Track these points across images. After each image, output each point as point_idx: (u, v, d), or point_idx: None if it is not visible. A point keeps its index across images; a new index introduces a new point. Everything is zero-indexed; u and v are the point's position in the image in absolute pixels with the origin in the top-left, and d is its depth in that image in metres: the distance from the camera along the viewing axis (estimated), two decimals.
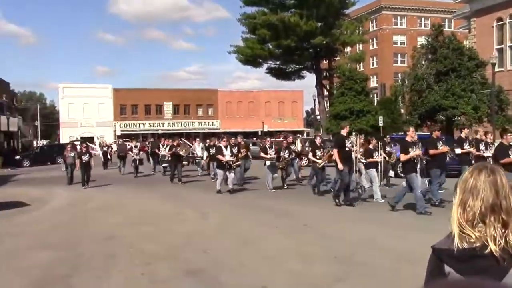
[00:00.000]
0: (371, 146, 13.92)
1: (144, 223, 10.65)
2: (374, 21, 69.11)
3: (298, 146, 20.16)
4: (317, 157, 14.68)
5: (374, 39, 69.06)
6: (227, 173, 15.48)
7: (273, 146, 16.62)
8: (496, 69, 29.15)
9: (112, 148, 34.80)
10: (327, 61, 48.84)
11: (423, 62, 33.03)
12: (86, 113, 65.96)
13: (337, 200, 12.35)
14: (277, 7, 42.77)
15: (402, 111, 40.15)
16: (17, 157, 37.17)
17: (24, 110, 72.78)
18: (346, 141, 12.56)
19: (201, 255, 7.50)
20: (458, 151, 12.71)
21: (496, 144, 12.58)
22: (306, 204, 12.88)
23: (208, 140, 22.67)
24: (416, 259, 6.72)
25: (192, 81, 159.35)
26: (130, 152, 23.82)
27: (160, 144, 24.51)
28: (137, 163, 22.64)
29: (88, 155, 18.76)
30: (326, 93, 49.57)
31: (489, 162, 11.45)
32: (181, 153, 19.43)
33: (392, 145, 16.70)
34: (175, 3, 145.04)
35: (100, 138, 58.01)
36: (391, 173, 17.37)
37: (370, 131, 36.44)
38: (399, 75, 45.84)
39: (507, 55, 35.82)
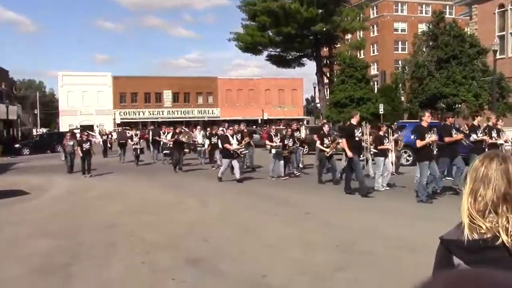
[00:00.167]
0: (381, 133, 13.60)
1: (144, 211, 10.62)
2: (374, 8, 68.67)
3: (302, 133, 20.04)
4: (325, 145, 14.50)
5: (375, 26, 68.63)
6: (233, 162, 15.28)
7: (279, 134, 16.36)
8: (498, 56, 28.99)
9: (112, 136, 34.72)
10: (327, 48, 48.56)
11: (424, 49, 32.84)
12: (85, 101, 65.77)
13: (349, 189, 12.20)
14: None
15: (403, 98, 40.05)
16: (17, 145, 37.08)
17: (24, 98, 72.50)
18: (355, 130, 12.30)
19: (202, 243, 7.47)
20: (473, 138, 12.39)
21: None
22: (308, 193, 12.85)
23: (209, 129, 22.54)
24: (418, 248, 6.71)
25: (191, 68, 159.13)
26: (130, 141, 23.63)
27: (161, 132, 24.42)
28: (138, 152, 22.55)
29: (88, 143, 18.59)
30: (326, 80, 49.36)
31: (501, 149, 11.38)
32: (184, 139, 19.31)
33: (399, 131, 16.57)
34: None
35: (99, 126, 57.86)
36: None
37: (371, 118, 36.35)
38: (400, 62, 45.64)
39: (508, 42, 35.60)
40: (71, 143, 19.84)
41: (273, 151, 15.94)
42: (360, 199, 11.58)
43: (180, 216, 10.01)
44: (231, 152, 15.28)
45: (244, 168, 17.81)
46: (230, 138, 15.52)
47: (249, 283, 5.55)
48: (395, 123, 19.18)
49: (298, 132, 17.48)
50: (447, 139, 11.63)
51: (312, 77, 60.29)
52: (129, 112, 68.12)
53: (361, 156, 13.37)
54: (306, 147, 20.27)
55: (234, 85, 73.26)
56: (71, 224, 9.41)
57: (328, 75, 48.58)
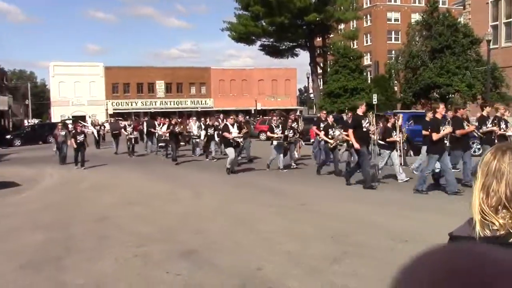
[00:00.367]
0: (389, 125, 13.13)
1: (138, 203, 10.51)
2: None
3: (301, 124, 19.82)
4: (330, 136, 14.26)
5: (368, 16, 68.47)
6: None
7: (280, 125, 15.99)
8: (491, 46, 28.97)
9: (104, 127, 34.48)
10: (321, 38, 48.45)
11: (417, 39, 32.81)
12: (77, 91, 65.25)
13: (349, 181, 12.04)
14: None
15: (396, 88, 40.05)
16: (8, 136, 36.82)
17: (15, 88, 71.90)
18: (362, 120, 11.96)
19: (196, 236, 7.38)
20: (484, 130, 11.93)
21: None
22: (306, 184, 12.79)
23: (203, 119, 22.33)
24: (414, 239, 6.68)
25: (184, 59, 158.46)
26: (124, 131, 23.34)
27: (156, 123, 24.14)
28: (133, 142, 22.34)
29: (83, 135, 18.27)
30: (319, 71, 49.29)
31: (510, 141, 11.20)
32: (179, 129, 19.09)
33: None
34: None
35: (92, 117, 57.48)
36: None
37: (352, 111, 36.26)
38: (393, 52, 45.64)
39: (501, 32, 35.59)
40: (63, 133, 19.63)
41: (275, 142, 15.61)
42: (358, 190, 11.51)
43: (173, 208, 9.92)
44: (230, 141, 15.02)
45: (239, 159, 17.65)
46: (230, 127, 15.26)
47: (244, 276, 5.48)
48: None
49: (296, 123, 17.21)
50: (458, 132, 11.26)
51: (305, 67, 60.10)
52: (121, 102, 67.68)
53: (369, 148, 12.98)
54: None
55: (227, 75, 72.95)
56: (63, 216, 9.30)
57: (321, 65, 48.52)
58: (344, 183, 12.29)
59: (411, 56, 31.91)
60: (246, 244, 6.81)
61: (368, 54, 66.55)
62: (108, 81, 66.96)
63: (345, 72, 40.23)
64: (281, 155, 15.61)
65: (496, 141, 11.20)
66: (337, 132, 14.23)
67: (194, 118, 23.82)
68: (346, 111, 27.52)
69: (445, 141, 10.64)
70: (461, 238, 1.70)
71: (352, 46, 50.08)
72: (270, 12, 42.05)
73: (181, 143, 20.40)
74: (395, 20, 68.81)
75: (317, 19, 43.07)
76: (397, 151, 13.04)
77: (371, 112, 15.21)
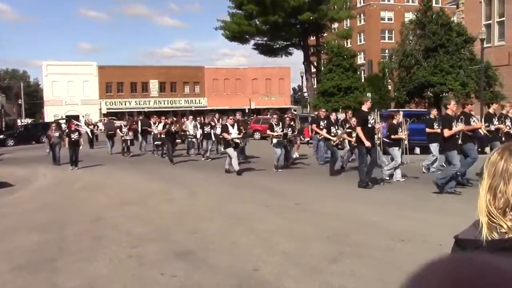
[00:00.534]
0: (395, 122, 12.88)
1: (133, 203, 10.42)
2: None
3: (297, 124, 19.72)
4: (332, 134, 14.09)
5: (361, 15, 68.54)
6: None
7: (280, 123, 15.74)
8: (484, 45, 29.03)
9: (98, 127, 34.27)
10: (314, 37, 48.43)
11: (411, 38, 32.83)
12: (70, 91, 64.93)
13: (367, 182, 11.58)
14: None
15: (390, 87, 40.10)
16: (1, 136, 36.53)
17: (8, 88, 71.50)
18: (368, 117, 11.75)
19: (192, 236, 7.32)
20: (492, 127, 11.72)
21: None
22: (304, 183, 12.73)
23: (199, 118, 22.14)
24: (413, 238, 6.65)
25: (177, 58, 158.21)
26: (119, 131, 23.06)
27: (151, 122, 23.93)
28: (128, 143, 22.11)
29: (77, 133, 18.04)
30: (313, 70, 49.28)
31: None
32: (175, 128, 18.83)
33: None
34: None
35: (85, 116, 57.20)
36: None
37: (358, 107, 36.30)
38: (387, 51, 45.65)
39: (495, 31, 35.67)
40: (57, 134, 19.37)
41: (275, 140, 15.41)
42: (357, 189, 11.42)
43: (169, 207, 9.84)
44: (230, 141, 14.81)
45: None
46: (230, 128, 15.06)
47: (240, 276, 5.42)
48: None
49: (293, 122, 17.06)
50: (466, 128, 10.95)
51: (299, 66, 60.09)
52: (115, 102, 67.41)
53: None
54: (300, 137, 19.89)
55: (221, 74, 72.83)
56: (56, 217, 9.20)
57: (315, 64, 48.50)
58: (344, 183, 12.27)
59: (404, 55, 31.93)
60: (243, 244, 6.75)
61: (362, 53, 66.61)
62: (101, 80, 66.69)
63: (339, 71, 40.20)
64: (282, 155, 15.36)
65: (503, 138, 11.06)
66: (337, 131, 14.18)
67: (191, 117, 23.33)
68: (340, 110, 27.56)
69: (458, 137, 10.43)
70: (467, 241, 1.66)
71: (345, 45, 50.09)
72: (264, 11, 41.99)
73: (177, 141, 20.11)
74: (388, 19, 68.91)
75: (311, 18, 43.04)
76: (402, 148, 12.85)
77: (375, 110, 14.99)
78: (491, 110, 12.26)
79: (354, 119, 15.12)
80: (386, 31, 68.03)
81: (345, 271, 5.46)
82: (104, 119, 42.46)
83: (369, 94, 35.92)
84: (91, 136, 28.43)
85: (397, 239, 6.67)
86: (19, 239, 7.52)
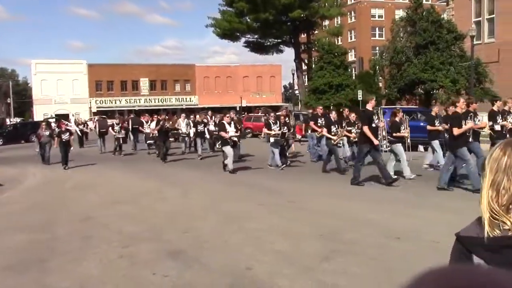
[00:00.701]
0: (397, 119, 12.76)
1: (125, 202, 10.30)
2: None
3: (291, 121, 19.59)
4: (332, 133, 13.91)
5: (352, 12, 68.67)
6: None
7: (277, 122, 15.46)
8: (474, 42, 29.17)
9: (87, 125, 34.01)
10: (305, 35, 48.44)
11: (402, 35, 32.92)
12: (60, 89, 64.45)
13: (357, 181, 11.48)
14: None
15: (381, 84, 40.21)
16: None
17: None
18: (374, 116, 11.49)
19: (184, 235, 7.24)
20: (497, 127, 11.41)
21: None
22: (298, 181, 12.64)
23: (192, 116, 21.97)
24: (407, 236, 6.62)
25: (168, 56, 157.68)
26: (111, 130, 22.80)
27: (144, 121, 23.72)
28: (121, 142, 21.89)
29: (68, 133, 17.79)
30: (304, 67, 49.29)
31: None
32: (168, 125, 18.56)
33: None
34: None
35: (75, 115, 56.84)
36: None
37: (349, 105, 36.39)
38: (377, 49, 45.76)
39: (484, 28, 35.86)
40: (47, 133, 19.11)
41: (272, 139, 15.19)
42: (352, 187, 11.35)
43: (162, 206, 9.74)
44: (227, 140, 14.54)
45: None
46: (227, 126, 14.77)
47: (233, 275, 5.36)
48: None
49: (288, 119, 16.88)
50: (474, 126, 10.72)
51: (290, 64, 60.05)
52: (105, 100, 67.05)
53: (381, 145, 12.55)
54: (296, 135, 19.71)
55: (212, 72, 72.67)
56: (46, 217, 9.08)
57: (306, 62, 48.53)
58: (339, 180, 12.18)
59: (395, 52, 32.01)
60: (236, 243, 6.68)
61: (353, 50, 66.73)
62: (91, 78, 66.28)
63: (330, 68, 40.26)
64: (278, 152, 15.13)
65: (508, 135, 10.83)
66: (337, 130, 14.04)
67: (183, 115, 22.99)
68: (331, 107, 27.58)
69: (468, 135, 10.24)
70: (468, 239, 1.61)
71: (336, 43, 50.16)
72: (254, 8, 41.90)
73: (170, 139, 19.78)
74: (379, 16, 69.11)
75: (302, 15, 43.02)
76: (404, 146, 12.64)
77: (379, 107, 14.80)
78: (495, 108, 11.93)
79: (353, 115, 15.06)
80: (377, 29, 68.24)
81: (338, 269, 5.42)
82: (95, 118, 42.14)
83: (360, 92, 36.06)
84: (80, 135, 28.17)
85: (391, 237, 6.64)
86: (8, 239, 7.42)
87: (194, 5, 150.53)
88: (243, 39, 48.28)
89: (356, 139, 14.01)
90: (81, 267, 5.92)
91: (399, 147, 12.24)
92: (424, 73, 29.96)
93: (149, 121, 22.21)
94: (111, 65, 68.18)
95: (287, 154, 16.68)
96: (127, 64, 70.13)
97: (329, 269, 5.43)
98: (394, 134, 12.42)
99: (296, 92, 55.59)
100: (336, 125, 14.19)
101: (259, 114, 37.46)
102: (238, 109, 58.81)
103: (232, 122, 15.16)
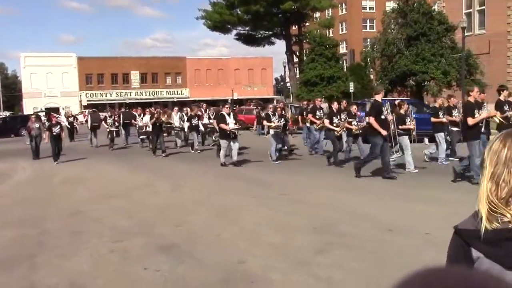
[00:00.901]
0: (402, 111, 12.51)
1: (116, 196, 10.17)
2: None
3: (288, 113, 19.44)
4: (334, 124, 13.58)
5: (343, 4, 68.56)
6: (231, 143, 14.15)
7: (276, 113, 15.11)
8: (465, 33, 29.22)
9: (77, 119, 33.73)
10: (296, 27, 48.30)
11: (393, 27, 32.88)
12: (49, 83, 63.90)
13: (359, 173, 11.21)
14: None
15: (372, 77, 40.22)
16: None
17: None
18: (382, 108, 11.12)
19: (176, 229, 7.16)
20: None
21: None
22: (293, 174, 12.52)
23: (185, 109, 21.74)
24: (400, 229, 6.58)
25: (158, 48, 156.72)
26: (104, 123, 22.42)
27: (136, 114, 23.46)
28: (114, 135, 21.58)
29: (58, 126, 17.41)
30: (296, 59, 49.19)
31: None
32: (163, 119, 18.18)
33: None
34: None
35: (65, 108, 56.42)
36: None
37: (341, 97, 36.39)
38: (368, 41, 45.78)
39: (475, 19, 35.95)
40: (37, 125, 18.87)
41: (271, 131, 14.82)
42: (347, 180, 11.20)
43: (153, 200, 9.63)
44: (228, 132, 14.08)
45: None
46: (227, 117, 14.21)
47: (226, 269, 5.30)
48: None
49: (284, 111, 16.66)
50: (486, 116, 10.53)
51: (281, 56, 59.96)
52: (95, 93, 66.60)
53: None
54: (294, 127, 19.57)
55: (203, 65, 72.38)
56: (36, 211, 8.96)
57: (297, 54, 48.43)
58: (338, 173, 12.05)
59: (386, 43, 31.97)
60: (228, 237, 6.61)
61: (344, 42, 66.68)
62: (81, 71, 65.78)
63: (321, 60, 40.21)
64: (279, 146, 14.84)
65: None
66: (340, 121, 13.82)
67: (176, 108, 22.32)
68: (323, 99, 27.54)
69: (481, 126, 10.06)
70: (467, 231, 1.57)
71: (327, 35, 50.07)
72: (245, 0, 41.69)
73: (164, 134, 19.40)
74: (370, 8, 69.07)
75: (293, 7, 42.87)
76: (410, 139, 12.40)
77: (387, 100, 14.44)
78: (501, 97, 11.52)
79: (354, 107, 14.89)
80: (368, 20, 68.22)
81: (333, 262, 5.38)
82: (86, 111, 41.84)
83: (351, 84, 36.06)
84: (70, 129, 27.86)
85: (387, 230, 6.58)
86: None
87: None
88: (234, 32, 48.14)
89: (358, 132, 13.96)
90: (71, 262, 5.83)
91: (405, 140, 12.02)
92: (415, 65, 29.97)
93: (142, 114, 21.95)
94: (101, 58, 67.70)
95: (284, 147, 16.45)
96: (118, 57, 69.65)
97: (324, 263, 5.39)
98: (400, 127, 12.16)
99: (288, 84, 55.52)
100: (338, 117, 13.86)
101: (251, 106, 37.40)
102: (229, 101, 58.74)
103: (231, 113, 14.75)
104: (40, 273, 5.50)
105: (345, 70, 45.69)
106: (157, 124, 17.74)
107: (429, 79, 30.65)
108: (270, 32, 47.97)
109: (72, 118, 30.52)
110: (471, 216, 1.59)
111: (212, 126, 20.53)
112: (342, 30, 69.49)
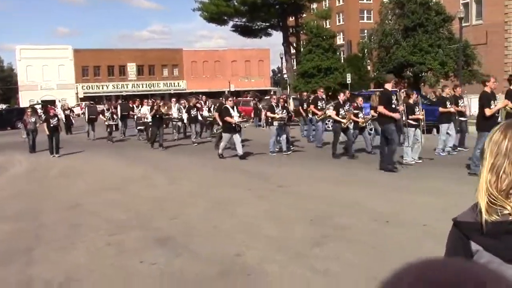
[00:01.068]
0: (411, 101, 12.17)
1: (113, 189, 10.12)
2: None
3: (291, 105, 19.21)
4: (340, 116, 13.24)
5: None
6: (235, 136, 13.93)
7: (279, 105, 14.73)
8: (462, 24, 29.16)
9: (73, 112, 33.58)
10: (293, 18, 48.08)
11: (390, 18, 32.81)
12: (45, 75, 63.54)
13: (394, 168, 10.79)
14: None
15: (369, 68, 40.17)
16: None
17: None
18: (392, 96, 10.90)
19: (173, 222, 7.14)
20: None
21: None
22: (291, 165, 12.42)
23: (183, 101, 21.61)
24: (399, 221, 6.56)
25: (155, 40, 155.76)
26: (102, 116, 22.22)
27: (134, 106, 23.33)
28: (113, 128, 21.42)
29: (56, 118, 17.18)
30: (293, 51, 49.02)
31: None
32: (163, 110, 17.83)
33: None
34: None
35: (62, 101, 56.21)
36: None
37: (338, 88, 36.34)
38: (365, 32, 45.61)
39: (472, 10, 35.88)
40: (33, 119, 18.71)
41: (275, 123, 14.46)
42: (346, 172, 11.10)
43: (150, 193, 9.60)
44: (233, 125, 13.85)
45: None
46: (231, 110, 13.94)
47: (223, 262, 5.29)
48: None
49: (286, 103, 16.41)
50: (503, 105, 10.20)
51: (278, 48, 59.78)
52: (92, 86, 66.32)
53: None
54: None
55: (200, 56, 72.10)
56: (32, 205, 8.93)
57: (294, 45, 48.24)
58: (339, 166, 11.95)
59: (384, 34, 31.92)
60: (225, 229, 6.59)
61: (341, 33, 66.44)
62: (77, 64, 65.42)
63: (318, 51, 40.07)
64: (284, 137, 14.56)
65: None
66: (346, 112, 13.54)
67: (174, 100, 21.81)
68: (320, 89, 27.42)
69: (497, 116, 9.81)
70: (466, 224, 1.54)
71: (325, 26, 49.88)
72: None
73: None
74: None
75: None
76: (420, 129, 12.13)
77: (398, 89, 14.12)
78: None
79: (360, 99, 14.74)
80: (365, 11, 67.91)
81: (330, 254, 5.37)
82: (83, 103, 41.67)
83: (349, 75, 35.98)
84: (66, 121, 27.70)
85: (384, 221, 6.56)
86: None
87: None
88: (230, 23, 47.88)
89: (364, 125, 13.86)
90: (68, 255, 5.81)
91: (410, 132, 11.78)
92: (413, 56, 29.94)
93: (140, 105, 21.79)
94: (97, 50, 67.35)
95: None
96: (114, 49, 69.32)
97: (321, 255, 5.37)
98: (410, 117, 11.89)
99: (285, 76, 55.37)
100: (344, 108, 13.51)
101: (248, 98, 37.30)
102: (226, 93, 58.58)
103: (235, 106, 14.52)
104: (37, 267, 5.48)
105: (342, 61, 45.55)
106: (157, 116, 17.53)
107: (426, 70, 30.63)
108: (267, 24, 47.75)
109: (69, 110, 30.38)
110: (470, 208, 1.57)
111: (211, 118, 20.45)
112: (339, 21, 69.20)
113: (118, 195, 9.45)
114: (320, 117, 15.79)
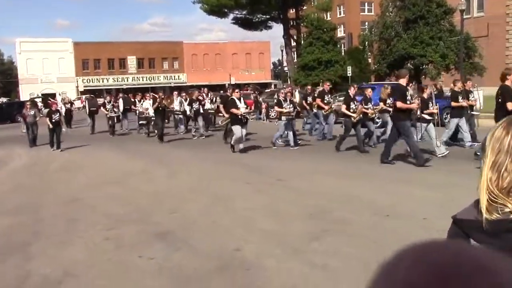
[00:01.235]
0: (425, 95, 11.95)
1: (113, 183, 10.08)
2: None
3: (297, 98, 19.03)
4: (351, 110, 12.99)
5: None
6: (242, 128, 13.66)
7: (287, 99, 14.40)
8: (463, 16, 29.01)
9: (74, 105, 33.50)
10: (294, 10, 47.88)
11: (391, 10, 32.66)
12: (46, 68, 63.42)
13: (423, 158, 10.56)
14: None
15: (370, 60, 40.03)
16: None
17: None
18: (407, 92, 10.73)
19: (172, 216, 7.12)
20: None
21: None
22: (297, 159, 12.29)
23: (184, 94, 21.50)
24: (398, 214, 6.53)
25: (155, 33, 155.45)
26: (103, 109, 22.09)
27: (136, 100, 23.23)
28: (114, 121, 21.39)
29: (58, 113, 17.02)
30: (293, 43, 48.87)
31: None
32: (166, 103, 17.76)
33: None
34: None
35: (62, 94, 56.08)
36: None
37: (339, 81, 36.28)
38: (366, 24, 45.45)
39: (474, 2, 35.70)
40: (32, 112, 18.61)
41: (283, 118, 14.15)
42: (346, 165, 11.00)
43: (150, 187, 9.56)
44: (239, 117, 13.58)
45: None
46: (237, 102, 13.72)
47: (221, 257, 5.27)
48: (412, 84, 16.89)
49: (292, 96, 16.24)
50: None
51: (279, 40, 59.58)
52: (92, 79, 66.21)
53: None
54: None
55: (200, 49, 71.90)
56: (31, 199, 8.91)
57: (295, 38, 48.07)
58: (340, 158, 11.92)
59: (385, 27, 31.79)
60: (224, 224, 6.57)
61: (342, 26, 66.14)
62: (77, 57, 65.29)
63: (319, 44, 39.91)
64: (291, 132, 14.35)
65: None
66: (356, 106, 13.20)
67: (175, 93, 21.62)
68: (321, 83, 27.37)
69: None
70: (466, 222, 1.51)
71: (325, 18, 49.66)
72: None
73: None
74: None
75: None
76: (434, 123, 11.88)
77: (413, 83, 13.84)
78: None
79: (369, 90, 14.54)
80: (366, 4, 67.56)
81: (328, 249, 5.34)
82: (83, 97, 41.59)
83: (349, 68, 35.86)
84: (68, 115, 27.61)
85: (383, 215, 6.52)
86: None
87: None
88: (231, 16, 47.72)
89: (373, 116, 13.68)
90: (66, 251, 5.80)
91: (423, 126, 11.57)
92: (414, 48, 29.82)
93: (142, 100, 21.71)
94: (97, 43, 67.20)
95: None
96: (114, 42, 69.12)
97: (320, 249, 5.35)
98: (425, 111, 11.64)
99: (285, 68, 55.23)
100: (354, 102, 13.26)
101: (248, 91, 37.20)
102: (227, 86, 58.48)
103: (241, 98, 14.27)
104: (35, 262, 5.46)
105: (343, 54, 45.39)
106: (160, 108, 17.46)
107: (427, 62, 30.53)
108: (267, 16, 47.57)
109: (69, 104, 30.29)
110: (471, 205, 1.53)
111: (213, 111, 20.40)
112: (340, 14, 68.86)
113: (118, 189, 9.42)
114: (327, 112, 15.63)
